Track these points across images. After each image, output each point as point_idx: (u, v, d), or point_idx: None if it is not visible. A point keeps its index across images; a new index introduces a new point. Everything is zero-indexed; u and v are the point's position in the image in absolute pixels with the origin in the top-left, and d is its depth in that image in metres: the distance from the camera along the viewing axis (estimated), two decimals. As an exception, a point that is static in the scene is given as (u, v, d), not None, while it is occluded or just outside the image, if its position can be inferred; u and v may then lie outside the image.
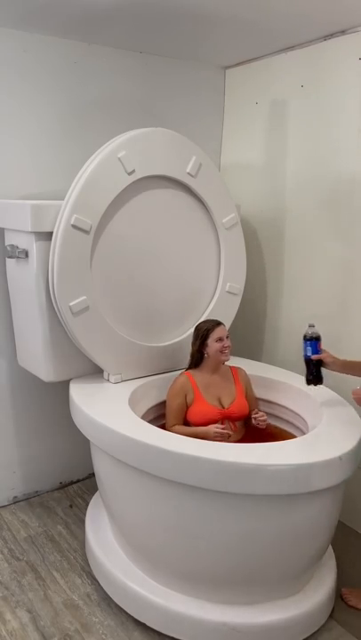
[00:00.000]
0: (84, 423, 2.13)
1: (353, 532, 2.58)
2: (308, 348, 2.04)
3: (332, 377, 2.13)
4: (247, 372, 2.42)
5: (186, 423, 2.26)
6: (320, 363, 2.06)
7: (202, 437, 2.07)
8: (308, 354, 2.04)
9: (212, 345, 2.25)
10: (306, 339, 2.05)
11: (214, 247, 2.62)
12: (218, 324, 2.28)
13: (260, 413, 2.26)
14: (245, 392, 2.35)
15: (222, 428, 2.13)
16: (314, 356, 2.05)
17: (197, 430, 2.15)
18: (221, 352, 2.25)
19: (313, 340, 2.04)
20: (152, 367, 2.49)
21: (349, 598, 2.16)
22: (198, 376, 2.29)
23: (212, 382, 2.28)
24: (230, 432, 2.16)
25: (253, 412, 2.27)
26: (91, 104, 2.65)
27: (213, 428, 2.12)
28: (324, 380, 2.10)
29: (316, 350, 2.03)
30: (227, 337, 2.27)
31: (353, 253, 2.51)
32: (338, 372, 2.07)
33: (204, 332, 2.27)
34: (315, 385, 2.10)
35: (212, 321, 2.30)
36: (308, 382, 2.08)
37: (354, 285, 2.50)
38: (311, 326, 2.05)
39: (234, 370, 2.38)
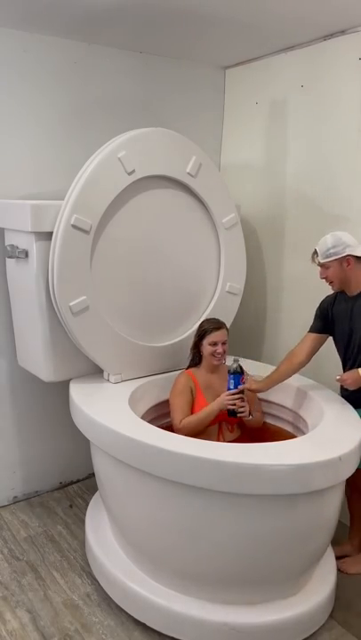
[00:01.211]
0: (84, 423, 2.13)
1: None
2: (231, 381, 2.14)
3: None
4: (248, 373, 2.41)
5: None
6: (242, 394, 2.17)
7: (213, 413, 2.11)
8: (231, 387, 2.15)
9: (206, 347, 2.26)
10: (230, 373, 2.15)
11: (214, 247, 2.62)
12: (218, 327, 2.26)
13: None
14: (245, 393, 2.33)
15: (232, 394, 2.12)
16: (232, 391, 2.14)
17: (209, 409, 2.15)
18: (213, 355, 2.26)
19: (236, 374, 2.14)
20: (152, 367, 2.49)
21: (347, 567, 2.22)
22: (199, 375, 2.30)
23: (211, 382, 2.28)
24: (244, 397, 2.16)
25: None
26: (91, 104, 2.65)
27: (225, 397, 2.12)
28: None
29: (238, 384, 2.14)
30: (223, 343, 2.26)
31: (353, 253, 2.51)
32: (266, 390, 2.30)
33: (201, 332, 2.28)
34: (235, 417, 2.18)
35: (216, 323, 2.29)
36: (229, 414, 2.17)
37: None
38: (236, 361, 2.15)
39: None
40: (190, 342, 2.39)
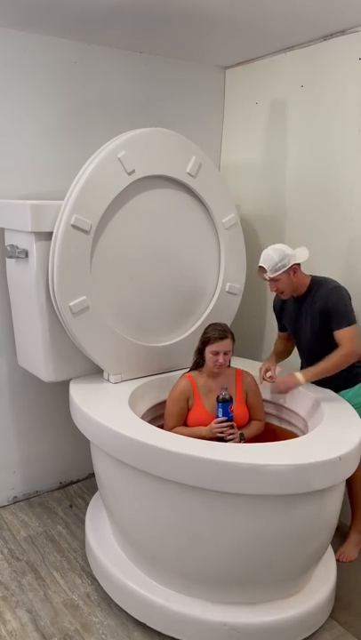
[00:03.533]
0: (84, 423, 2.13)
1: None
2: (220, 410, 2.15)
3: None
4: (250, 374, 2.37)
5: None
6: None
7: (203, 437, 2.08)
8: (219, 415, 2.15)
9: (207, 355, 2.22)
10: (218, 401, 2.15)
11: (214, 247, 2.62)
12: (222, 337, 2.19)
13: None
14: (247, 398, 2.31)
15: (220, 422, 2.12)
16: (220, 418, 2.15)
17: (199, 432, 2.13)
18: (214, 364, 2.21)
19: (224, 402, 2.15)
20: (152, 367, 2.49)
21: (347, 556, 2.33)
22: (200, 380, 2.26)
23: (213, 387, 2.24)
24: (233, 423, 2.14)
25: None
26: (91, 104, 2.65)
27: (214, 425, 2.11)
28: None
29: (227, 412, 2.15)
30: (225, 353, 2.19)
31: (353, 252, 2.51)
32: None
33: (204, 339, 2.23)
34: (225, 442, 2.17)
35: (220, 332, 2.20)
36: (219, 440, 2.16)
37: (354, 285, 2.49)
38: (224, 388, 2.16)
39: (239, 374, 2.33)
40: (191, 342, 2.39)
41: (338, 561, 2.25)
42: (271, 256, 2.21)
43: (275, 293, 2.35)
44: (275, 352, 2.53)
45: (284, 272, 2.20)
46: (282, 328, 2.52)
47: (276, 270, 2.20)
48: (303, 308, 2.30)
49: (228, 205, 2.59)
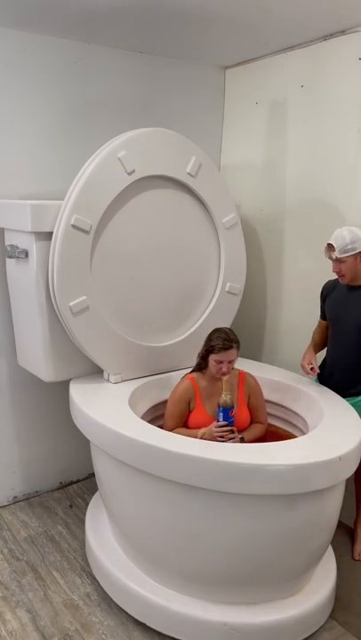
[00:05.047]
0: (84, 423, 2.13)
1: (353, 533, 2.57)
2: (221, 414, 2.13)
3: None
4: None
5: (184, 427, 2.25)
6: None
7: (203, 439, 2.07)
8: (220, 419, 2.13)
9: (211, 362, 2.18)
10: (219, 406, 2.13)
11: (214, 247, 2.62)
12: (226, 347, 2.14)
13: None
14: (249, 401, 2.29)
15: (220, 426, 2.11)
16: (220, 423, 2.13)
17: (198, 435, 2.12)
18: (217, 371, 2.18)
19: (225, 407, 2.12)
20: (152, 367, 2.49)
21: None
22: (202, 382, 2.25)
23: (214, 390, 2.22)
24: (233, 428, 2.13)
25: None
26: (91, 104, 2.65)
27: (214, 429, 2.11)
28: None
29: (227, 417, 2.13)
30: (229, 361, 2.16)
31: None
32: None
33: (209, 347, 2.18)
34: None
35: (225, 341, 2.15)
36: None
37: (354, 285, 2.49)
38: (226, 394, 2.14)
39: (241, 376, 2.31)
40: (191, 342, 2.39)
41: (358, 561, 2.33)
42: (344, 236, 2.14)
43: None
44: (313, 342, 2.45)
45: (351, 255, 2.14)
46: (324, 315, 2.43)
47: (345, 252, 2.13)
48: (355, 297, 2.24)
49: (228, 205, 2.59)
